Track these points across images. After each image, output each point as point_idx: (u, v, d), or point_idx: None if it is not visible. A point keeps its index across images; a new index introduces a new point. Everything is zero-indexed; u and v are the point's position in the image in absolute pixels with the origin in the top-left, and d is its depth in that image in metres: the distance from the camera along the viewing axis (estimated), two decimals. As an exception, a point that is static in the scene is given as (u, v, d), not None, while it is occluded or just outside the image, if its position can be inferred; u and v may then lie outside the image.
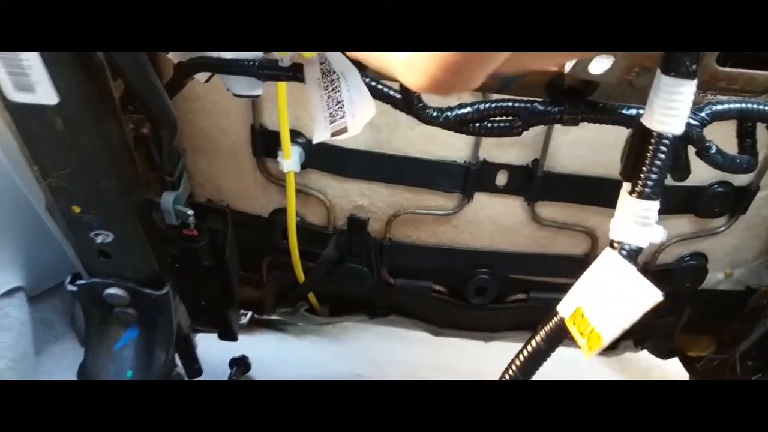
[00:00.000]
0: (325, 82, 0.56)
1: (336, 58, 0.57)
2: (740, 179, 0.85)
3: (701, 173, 0.83)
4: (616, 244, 0.51)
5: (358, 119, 0.57)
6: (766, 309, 0.94)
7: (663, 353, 1.16)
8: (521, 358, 0.55)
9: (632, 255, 0.50)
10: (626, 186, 0.51)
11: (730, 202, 0.86)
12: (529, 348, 0.55)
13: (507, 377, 0.56)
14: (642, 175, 0.49)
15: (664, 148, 0.48)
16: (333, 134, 0.58)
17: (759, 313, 0.96)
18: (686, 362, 1.19)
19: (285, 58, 0.59)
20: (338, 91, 0.56)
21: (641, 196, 0.49)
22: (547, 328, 0.54)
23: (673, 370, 1.28)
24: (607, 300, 0.49)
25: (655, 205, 0.50)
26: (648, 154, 0.48)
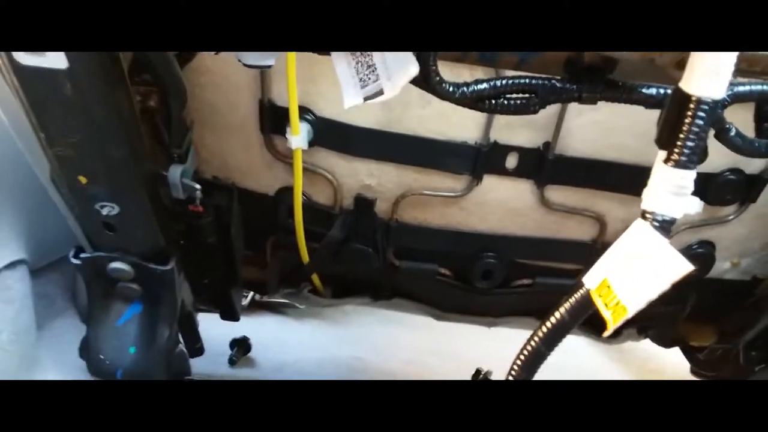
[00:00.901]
0: None
1: None
2: (752, 167, 0.84)
3: (713, 159, 0.82)
4: (648, 215, 0.50)
5: (395, 80, 0.56)
6: (773, 299, 0.94)
7: (665, 342, 1.16)
8: (544, 329, 0.55)
9: (665, 226, 0.49)
10: (661, 154, 0.50)
11: (741, 190, 0.86)
12: (553, 319, 0.54)
13: (529, 348, 0.55)
14: (679, 143, 0.48)
15: (703, 114, 0.46)
16: (367, 97, 0.57)
17: (765, 303, 0.95)
18: (688, 352, 1.19)
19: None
20: (368, 55, 0.55)
21: (677, 164, 0.48)
22: (572, 299, 0.53)
23: (673, 360, 1.29)
24: (634, 271, 0.48)
25: (692, 174, 0.48)
26: (686, 121, 0.47)
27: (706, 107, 0.47)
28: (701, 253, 0.94)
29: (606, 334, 0.53)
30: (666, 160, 0.49)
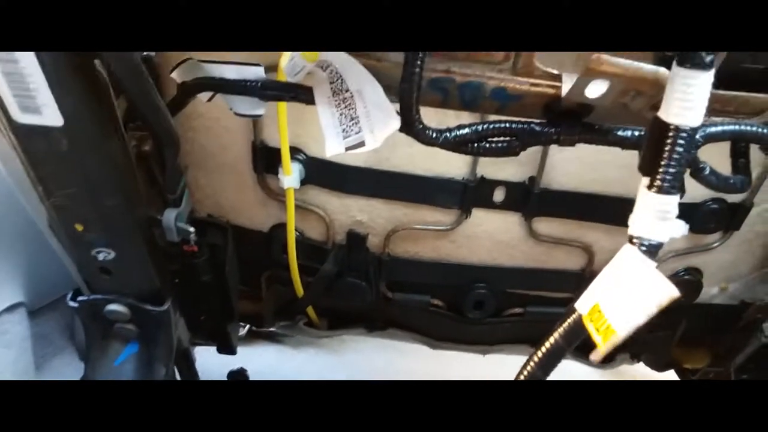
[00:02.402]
0: (336, 101, 0.57)
1: (354, 76, 0.58)
2: (734, 196, 0.86)
3: (695, 190, 0.84)
4: (635, 240, 0.51)
5: (377, 133, 0.58)
6: (761, 323, 0.95)
7: (659, 366, 1.17)
8: (539, 354, 0.55)
9: (652, 251, 0.50)
10: (644, 181, 0.51)
11: (724, 219, 0.88)
12: (548, 344, 0.55)
13: (525, 373, 0.56)
14: (660, 170, 0.49)
15: (681, 141, 0.48)
16: (348, 148, 0.59)
17: (753, 327, 0.97)
18: (682, 375, 1.20)
19: (302, 69, 0.59)
20: (352, 108, 0.57)
21: (660, 190, 0.49)
22: (565, 324, 0.54)
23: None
24: (623, 296, 0.49)
25: (675, 199, 0.49)
26: (666, 148, 0.48)
27: (684, 134, 0.48)
28: (688, 280, 0.95)
29: (596, 356, 0.53)
30: (649, 187, 0.50)
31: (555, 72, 0.62)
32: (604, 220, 0.88)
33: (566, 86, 0.57)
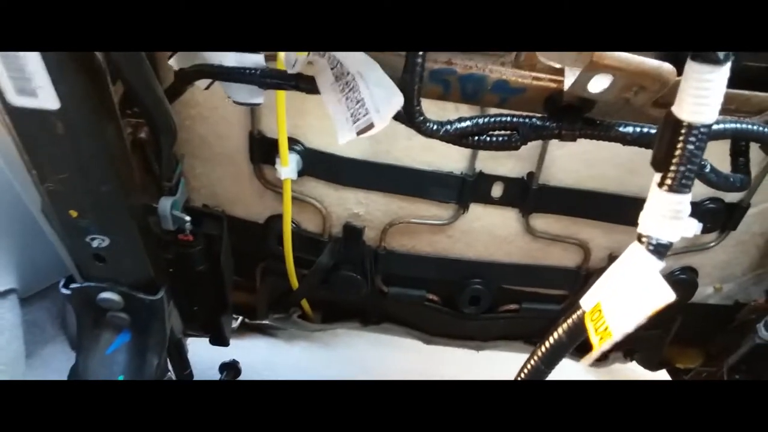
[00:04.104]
0: (340, 85, 0.56)
1: (350, 58, 0.57)
2: (731, 196, 0.86)
3: (693, 189, 0.84)
4: (643, 239, 0.49)
5: (383, 113, 0.56)
6: (755, 323, 0.95)
7: (652, 365, 1.17)
8: (543, 350, 0.55)
9: (660, 250, 0.48)
10: (656, 178, 0.49)
11: (721, 218, 0.88)
12: (552, 339, 0.54)
13: (529, 367, 0.56)
14: (672, 168, 0.47)
15: (694, 139, 0.46)
16: (359, 132, 0.58)
17: (747, 327, 0.97)
18: (674, 374, 1.20)
19: (299, 59, 0.58)
20: (356, 90, 0.56)
21: (671, 189, 0.48)
22: (569, 321, 0.53)
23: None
24: (623, 297, 0.48)
25: (687, 198, 0.48)
26: (678, 146, 0.47)
27: (697, 132, 0.47)
28: (684, 279, 0.95)
29: (590, 357, 0.53)
30: (660, 184, 0.49)
31: (557, 66, 0.62)
32: (601, 217, 0.88)
33: (569, 80, 0.57)
